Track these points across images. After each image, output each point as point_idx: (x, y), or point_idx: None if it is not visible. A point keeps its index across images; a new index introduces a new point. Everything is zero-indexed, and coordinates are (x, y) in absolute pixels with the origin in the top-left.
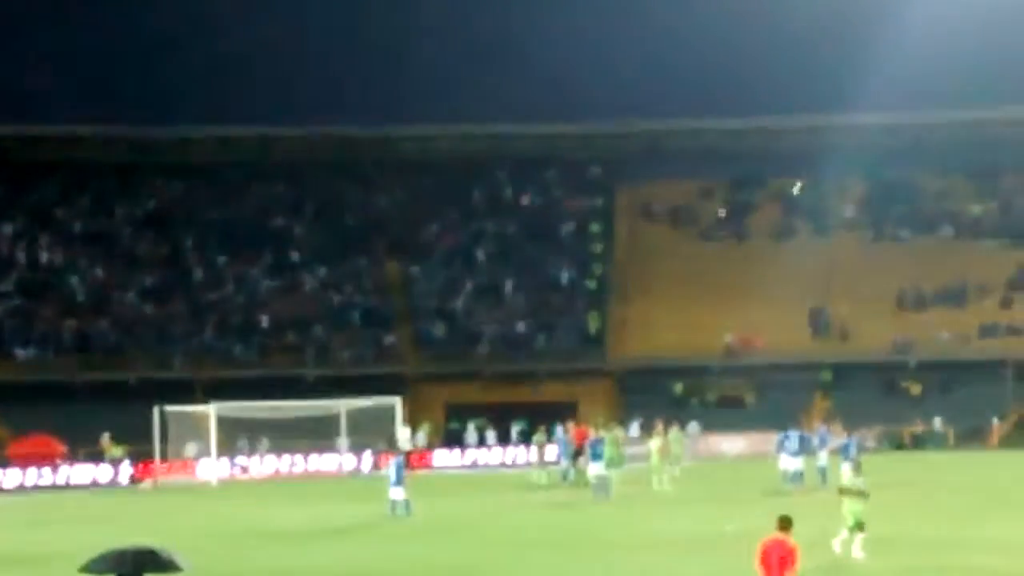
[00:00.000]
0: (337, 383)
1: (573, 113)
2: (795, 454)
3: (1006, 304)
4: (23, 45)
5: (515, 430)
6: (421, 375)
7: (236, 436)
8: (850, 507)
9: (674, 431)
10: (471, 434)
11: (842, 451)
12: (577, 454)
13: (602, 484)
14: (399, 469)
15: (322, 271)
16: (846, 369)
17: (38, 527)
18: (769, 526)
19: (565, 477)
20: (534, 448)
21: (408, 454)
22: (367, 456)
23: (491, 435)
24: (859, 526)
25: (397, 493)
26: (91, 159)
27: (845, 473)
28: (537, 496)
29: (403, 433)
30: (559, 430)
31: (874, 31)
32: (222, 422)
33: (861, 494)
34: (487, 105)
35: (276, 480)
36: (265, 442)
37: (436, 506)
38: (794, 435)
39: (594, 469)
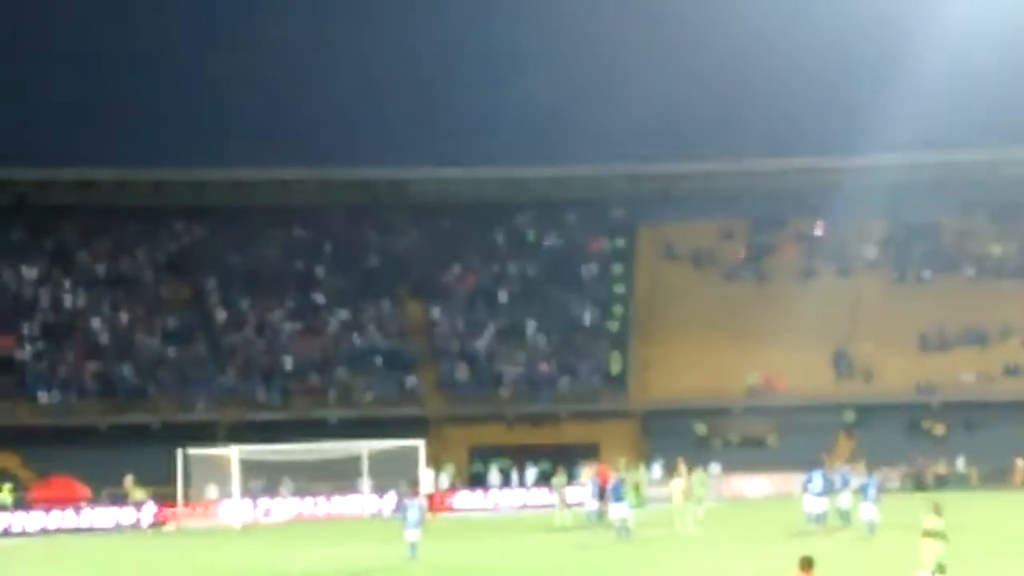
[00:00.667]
0: (360, 425)
1: (593, 155)
2: (819, 495)
3: None
4: (41, 88)
5: (532, 472)
6: (444, 417)
7: (258, 479)
8: (931, 549)
9: (698, 472)
10: (494, 475)
11: (862, 491)
12: (603, 494)
13: (625, 525)
14: (420, 511)
15: (344, 313)
16: (869, 410)
17: (61, 570)
18: (790, 568)
19: (594, 518)
20: (555, 490)
21: (431, 496)
22: (390, 498)
23: (514, 477)
24: (940, 568)
25: (413, 535)
26: (110, 202)
27: (928, 520)
28: (560, 538)
29: (426, 475)
30: (582, 471)
31: (894, 70)
32: (245, 465)
33: (942, 536)
34: (506, 147)
35: (299, 522)
36: (288, 484)
37: (458, 548)
38: (818, 475)
39: (616, 511)
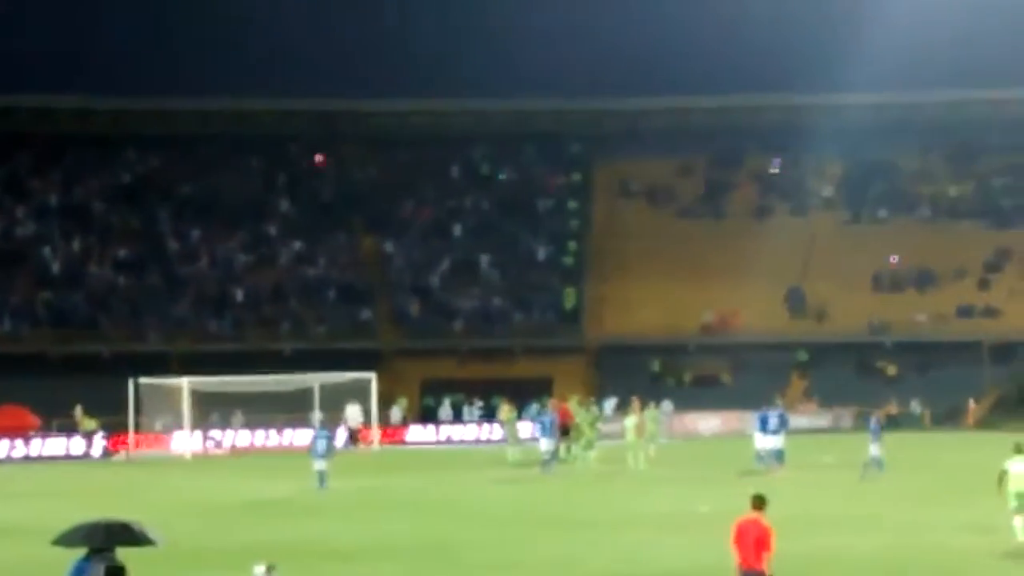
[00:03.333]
0: (312, 357)
1: (551, 90)
2: (775, 432)
3: (983, 285)
4: (0, 16)
5: (474, 409)
6: (396, 350)
7: (210, 410)
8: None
9: (650, 409)
10: (446, 409)
11: (870, 431)
12: (564, 432)
13: (548, 459)
14: (327, 442)
15: (298, 245)
16: (822, 349)
17: (10, 500)
18: (743, 506)
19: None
20: (505, 426)
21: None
22: (341, 431)
23: (467, 411)
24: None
25: (319, 465)
26: (66, 130)
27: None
28: (510, 473)
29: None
30: (533, 408)
31: (855, 11)
32: (196, 395)
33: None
34: (464, 80)
35: (250, 454)
36: (239, 416)
37: (409, 482)
38: (774, 413)
39: (545, 444)
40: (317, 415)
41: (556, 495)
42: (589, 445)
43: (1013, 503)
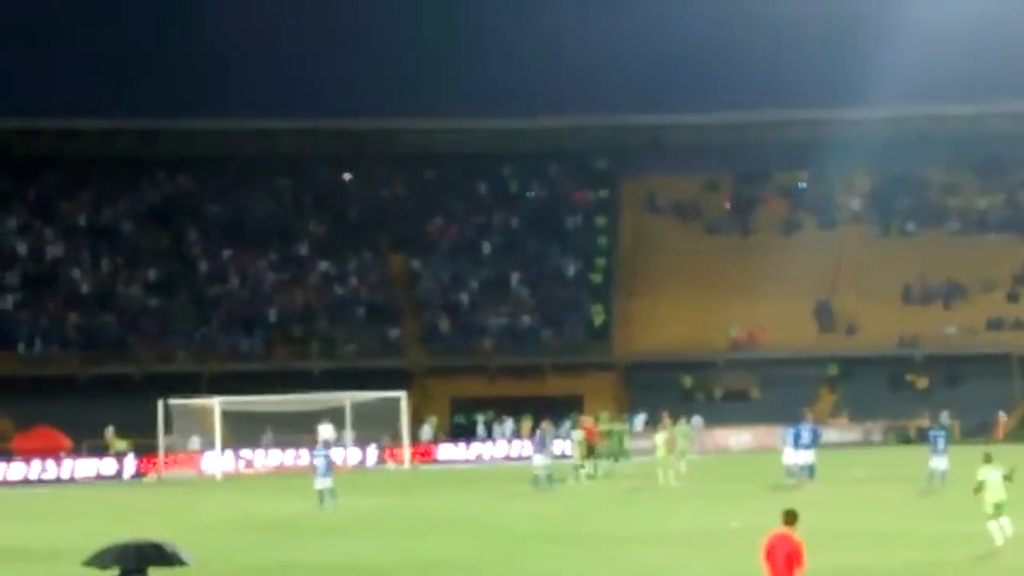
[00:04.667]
0: (342, 377)
1: (578, 107)
2: (807, 447)
3: (1012, 298)
4: (26, 38)
5: (507, 427)
6: (426, 368)
7: (240, 429)
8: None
9: (680, 425)
10: (479, 427)
11: (932, 442)
12: (591, 450)
13: (545, 475)
14: (326, 460)
15: (326, 264)
16: (852, 363)
17: (42, 521)
18: (773, 521)
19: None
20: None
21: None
22: (372, 450)
23: (497, 429)
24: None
25: (321, 483)
26: (94, 152)
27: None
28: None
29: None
30: (566, 426)
31: (881, 24)
32: (227, 416)
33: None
34: (491, 98)
35: (280, 474)
36: (270, 435)
37: (439, 500)
38: (806, 428)
39: (539, 460)
40: (323, 433)
41: (585, 512)
42: (617, 455)
43: (990, 510)
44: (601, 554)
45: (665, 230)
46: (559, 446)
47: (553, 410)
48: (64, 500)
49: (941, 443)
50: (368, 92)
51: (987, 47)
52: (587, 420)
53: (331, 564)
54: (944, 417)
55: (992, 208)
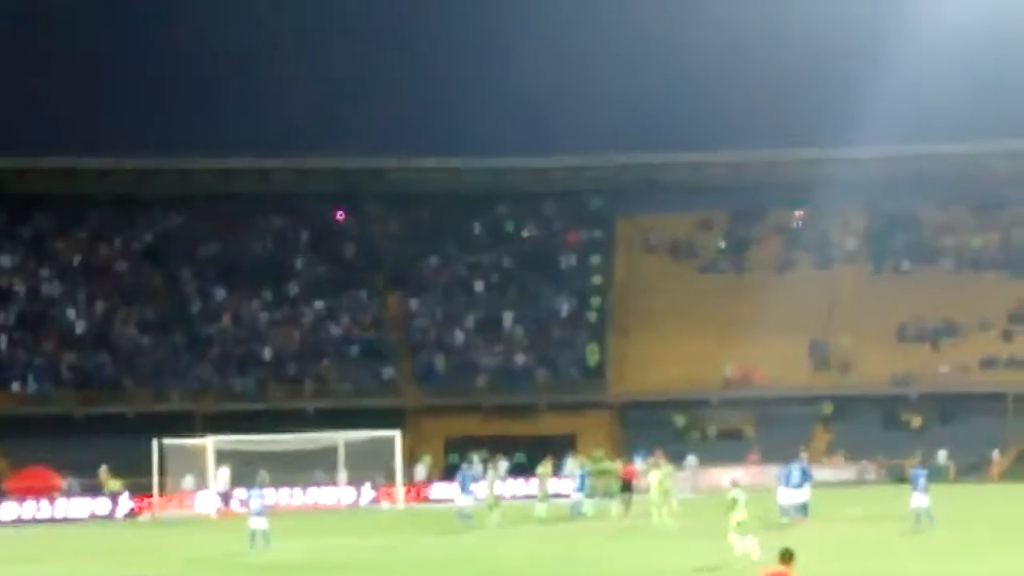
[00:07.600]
0: (336, 416)
1: (572, 146)
2: (798, 486)
3: (1007, 337)
4: (21, 76)
5: (504, 466)
6: (420, 408)
7: (234, 469)
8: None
9: (663, 466)
10: (477, 467)
11: (912, 481)
12: (626, 488)
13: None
14: (261, 500)
15: (320, 304)
16: (847, 402)
17: (36, 561)
18: (770, 559)
19: (577, 510)
20: (540, 480)
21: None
22: (366, 489)
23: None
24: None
25: (259, 523)
26: (88, 191)
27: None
28: (537, 530)
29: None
30: (568, 463)
31: (875, 63)
32: (220, 455)
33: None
34: (486, 138)
35: (274, 513)
36: (264, 475)
37: (434, 540)
38: (796, 468)
39: (462, 501)
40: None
41: (581, 551)
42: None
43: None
44: None
45: (660, 269)
46: (501, 487)
47: (547, 449)
48: (57, 540)
49: (922, 481)
50: (362, 131)
51: (982, 87)
52: (626, 462)
53: None
54: (942, 456)
55: (987, 247)
